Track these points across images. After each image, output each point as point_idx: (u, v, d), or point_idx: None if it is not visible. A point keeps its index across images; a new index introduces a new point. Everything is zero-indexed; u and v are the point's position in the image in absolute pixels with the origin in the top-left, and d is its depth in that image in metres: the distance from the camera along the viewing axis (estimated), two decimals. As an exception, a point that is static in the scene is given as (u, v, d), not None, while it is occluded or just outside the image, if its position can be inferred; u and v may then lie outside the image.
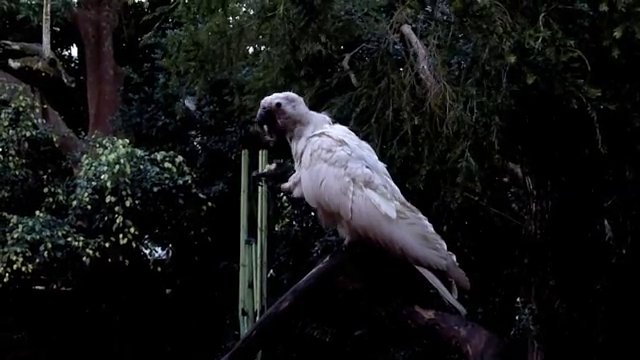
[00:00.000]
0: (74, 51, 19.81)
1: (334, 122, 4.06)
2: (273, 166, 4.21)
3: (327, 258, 3.86)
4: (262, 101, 4.00)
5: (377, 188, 3.76)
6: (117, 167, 13.42)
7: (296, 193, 3.97)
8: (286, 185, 4.03)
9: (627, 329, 8.92)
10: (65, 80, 16.61)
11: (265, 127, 4.02)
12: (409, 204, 3.82)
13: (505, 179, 10.20)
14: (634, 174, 8.70)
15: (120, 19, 18.01)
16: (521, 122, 7.95)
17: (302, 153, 3.89)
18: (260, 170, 10.01)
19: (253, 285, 11.80)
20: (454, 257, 3.75)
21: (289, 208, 14.48)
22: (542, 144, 8.41)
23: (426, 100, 7.92)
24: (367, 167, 3.81)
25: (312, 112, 4.05)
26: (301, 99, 4.03)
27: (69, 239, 13.46)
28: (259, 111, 4.00)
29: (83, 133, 16.33)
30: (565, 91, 7.05)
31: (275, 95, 3.99)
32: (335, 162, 3.79)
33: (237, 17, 10.39)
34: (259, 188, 11.96)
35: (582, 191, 8.68)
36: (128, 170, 13.51)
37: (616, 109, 7.18)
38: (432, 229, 3.77)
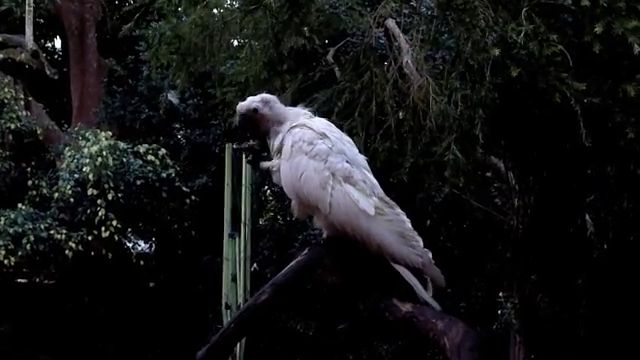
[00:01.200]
0: (57, 43, 19.69)
1: (314, 114, 4.05)
2: (256, 141, 4.20)
3: (305, 251, 3.85)
4: (238, 107, 3.99)
5: (356, 183, 3.75)
6: (99, 159, 13.37)
7: (275, 179, 3.96)
8: (266, 164, 4.02)
9: (608, 323, 8.96)
10: (48, 72, 16.50)
11: (245, 131, 4.04)
12: (388, 199, 3.80)
13: (488, 174, 10.22)
14: (616, 169, 8.73)
15: (104, 11, 17.90)
16: (504, 116, 7.95)
17: (282, 145, 3.87)
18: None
19: (236, 279, 11.83)
20: (430, 254, 3.73)
21: (273, 202, 14.48)
22: (525, 139, 8.42)
23: (409, 94, 7.90)
24: (347, 161, 3.79)
25: (289, 107, 4.04)
26: (276, 98, 4.02)
27: (52, 232, 13.41)
28: (237, 118, 4.00)
29: (66, 125, 16.25)
30: (548, 85, 7.05)
31: (250, 99, 3.98)
32: (315, 155, 3.77)
33: (221, 10, 10.31)
34: (243, 182, 11.95)
35: (564, 186, 8.70)
36: (110, 162, 13.46)
37: (599, 103, 7.19)
38: (410, 225, 3.76)
